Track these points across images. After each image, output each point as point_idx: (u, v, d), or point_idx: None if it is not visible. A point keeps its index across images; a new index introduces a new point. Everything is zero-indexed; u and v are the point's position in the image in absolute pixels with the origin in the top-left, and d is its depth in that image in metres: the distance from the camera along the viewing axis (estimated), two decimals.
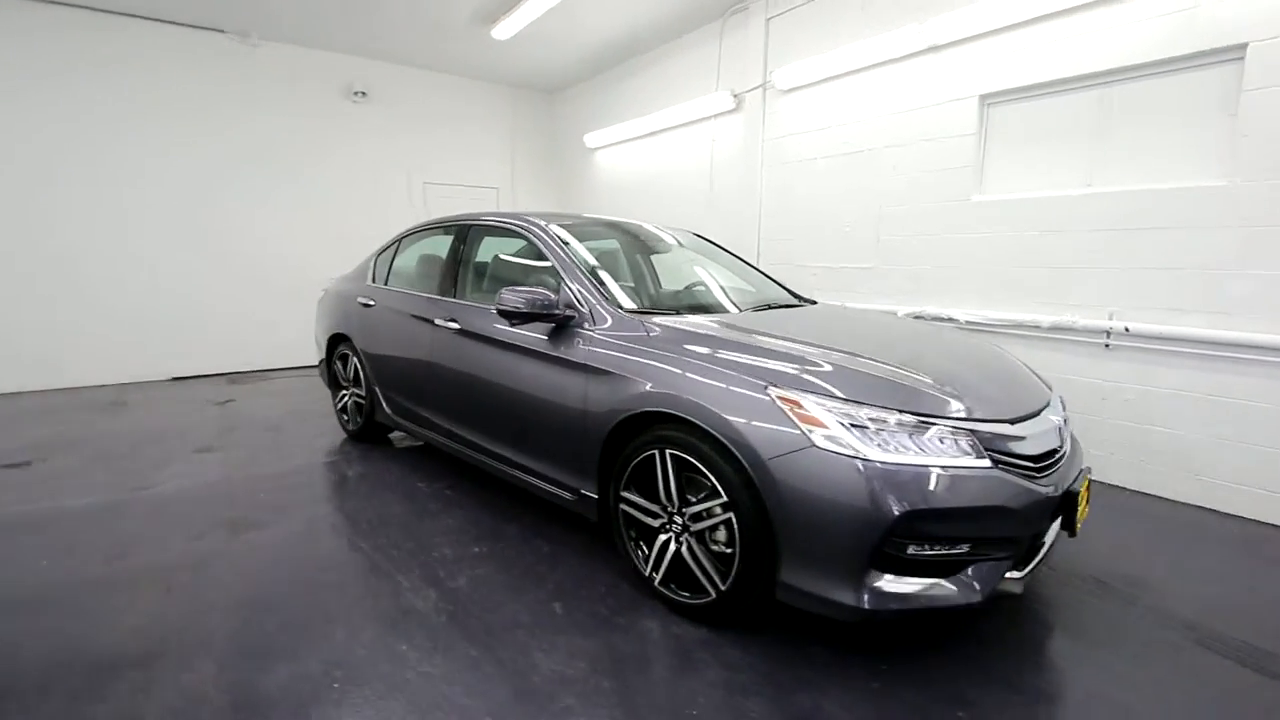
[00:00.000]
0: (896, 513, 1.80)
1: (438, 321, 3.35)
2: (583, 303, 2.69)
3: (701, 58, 6.08)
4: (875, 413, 1.92)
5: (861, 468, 1.83)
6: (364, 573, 2.59)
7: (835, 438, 1.88)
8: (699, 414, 2.11)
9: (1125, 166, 3.48)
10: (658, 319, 2.57)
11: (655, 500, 2.33)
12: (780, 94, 5.28)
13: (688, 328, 2.50)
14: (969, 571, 1.93)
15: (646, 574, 2.38)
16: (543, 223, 3.15)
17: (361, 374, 4.08)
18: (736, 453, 2.01)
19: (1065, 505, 2.06)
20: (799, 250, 5.23)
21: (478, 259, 3.46)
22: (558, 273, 2.88)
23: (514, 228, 3.26)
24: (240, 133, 6.52)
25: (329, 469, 3.82)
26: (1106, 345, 3.54)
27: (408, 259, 4.07)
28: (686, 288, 3.37)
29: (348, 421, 4.38)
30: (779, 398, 1.99)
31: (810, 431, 1.91)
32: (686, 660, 2.06)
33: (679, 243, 3.71)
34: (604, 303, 2.67)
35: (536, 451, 2.82)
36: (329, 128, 6.98)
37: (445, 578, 2.56)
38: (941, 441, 1.90)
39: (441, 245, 3.80)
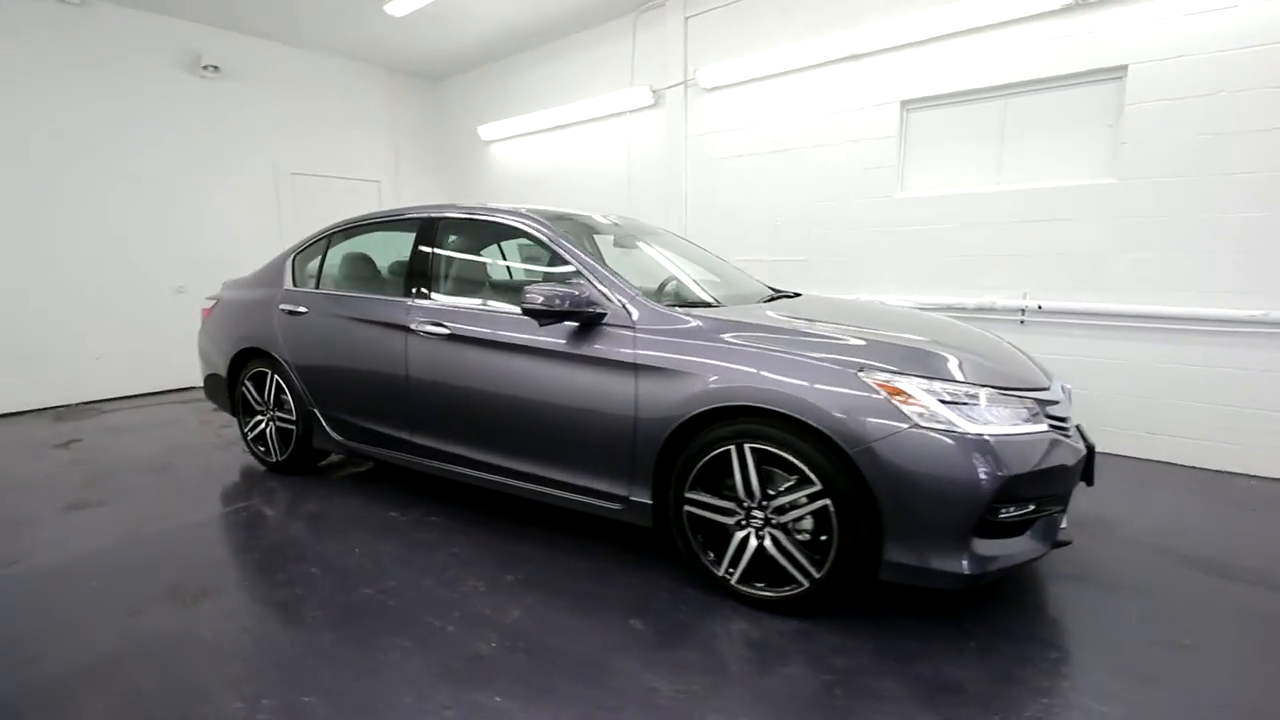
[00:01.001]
0: (999, 481, 1.93)
1: (415, 327, 2.96)
2: (612, 298, 2.53)
3: (614, 52, 6.01)
4: (960, 388, 2.04)
5: (961, 442, 1.94)
6: (394, 624, 2.21)
7: (934, 415, 1.97)
8: (791, 404, 2.08)
9: (1028, 167, 4.05)
10: (698, 311, 2.51)
11: (728, 497, 2.27)
12: (703, 92, 5.39)
13: (728, 318, 2.46)
14: (1037, 526, 2.13)
15: (720, 574, 2.31)
16: (536, 214, 2.93)
17: (289, 394, 3.48)
18: (837, 439, 2.02)
19: (1088, 459, 2.35)
20: (727, 245, 5.38)
21: (459, 256, 3.12)
22: (574, 267, 2.68)
23: (505, 222, 2.98)
24: (61, 112, 5.24)
25: (269, 509, 3.21)
26: (1022, 321, 4.09)
27: (344, 258, 3.55)
28: (669, 281, 3.27)
29: (267, 452, 3.71)
30: (875, 382, 2.03)
31: (910, 411, 1.98)
32: (798, 653, 2.03)
33: (633, 234, 3.54)
34: (638, 297, 2.54)
35: (568, 462, 2.61)
36: (170, 108, 5.85)
37: (494, 614, 2.27)
38: (1016, 411, 2.07)
39: (396, 242, 3.37)
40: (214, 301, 4.02)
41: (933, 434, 1.95)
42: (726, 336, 2.34)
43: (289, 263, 3.71)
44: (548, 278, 2.87)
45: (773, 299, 3.25)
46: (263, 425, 3.71)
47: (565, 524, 2.97)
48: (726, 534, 2.30)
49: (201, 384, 4.25)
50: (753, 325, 2.40)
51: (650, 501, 2.43)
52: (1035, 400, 2.18)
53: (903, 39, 4.29)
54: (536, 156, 6.95)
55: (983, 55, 4.04)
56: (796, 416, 2.08)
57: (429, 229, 3.17)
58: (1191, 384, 3.62)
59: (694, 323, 2.43)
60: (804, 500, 2.11)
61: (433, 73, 7.60)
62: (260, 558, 2.72)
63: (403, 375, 3.01)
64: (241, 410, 3.80)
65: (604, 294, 2.55)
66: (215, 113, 6.15)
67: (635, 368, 2.39)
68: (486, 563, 2.65)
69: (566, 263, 2.73)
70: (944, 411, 1.97)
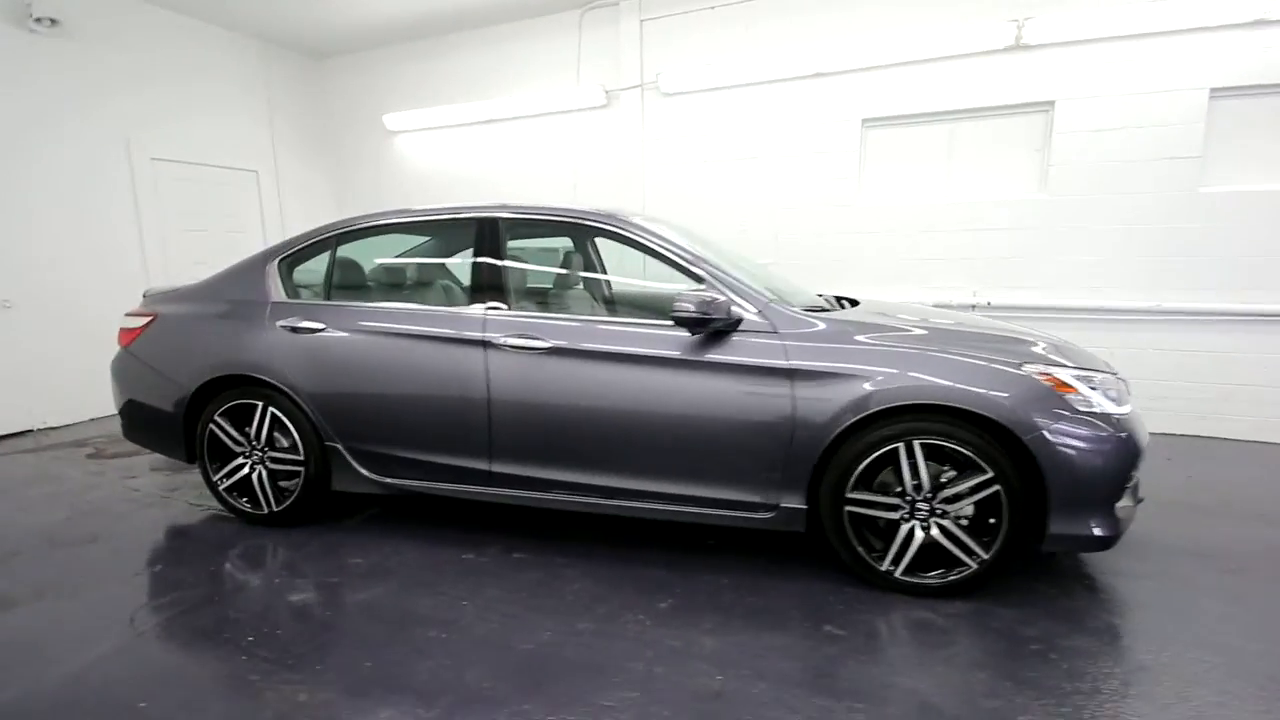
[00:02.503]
0: (1138, 452, 2.25)
1: (500, 341, 2.61)
2: (745, 303, 2.48)
3: (557, 46, 5.76)
4: (1096, 375, 2.33)
5: (1110, 421, 2.23)
6: (595, 676, 1.96)
7: (1087, 399, 2.24)
8: (971, 400, 2.22)
9: (972, 182, 4.68)
10: (821, 315, 2.56)
11: (887, 493, 2.35)
12: (663, 96, 5.40)
13: (853, 319, 2.56)
14: (1132, 488, 2.51)
15: (884, 569, 2.39)
16: (626, 215, 2.76)
17: (294, 429, 2.87)
18: (1012, 428, 2.20)
19: None
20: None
21: (536, 261, 2.81)
22: (696, 272, 2.57)
23: (589, 223, 2.77)
24: None
25: (307, 574, 2.63)
26: None
27: (361, 265, 3.01)
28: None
29: (252, 503, 3.02)
30: (1037, 373, 2.25)
31: (1070, 398, 2.22)
32: (994, 631, 2.18)
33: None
34: (772, 302, 2.51)
35: (705, 475, 2.50)
36: None
37: (685, 646, 2.11)
38: (1123, 390, 2.43)
39: (438, 247, 2.95)
40: (146, 319, 3.16)
41: (1090, 416, 2.21)
42: (861, 338, 2.43)
43: (272, 269, 3.04)
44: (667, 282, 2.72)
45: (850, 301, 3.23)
46: (245, 470, 3.00)
47: (667, 541, 2.84)
48: (890, 529, 2.38)
49: (121, 422, 3.34)
50: (879, 326, 2.51)
51: (804, 506, 2.43)
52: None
53: (864, 63, 4.70)
54: (457, 151, 6.41)
55: (934, 83, 4.59)
56: (976, 411, 2.22)
57: (490, 231, 2.82)
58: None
59: (820, 325, 2.48)
60: (974, 488, 2.27)
61: (319, 49, 6.64)
62: (366, 635, 2.22)
63: (481, 397, 2.64)
64: (208, 454, 3.03)
65: (735, 299, 2.49)
66: (52, 79, 4.78)
67: (790, 373, 2.37)
68: (625, 592, 2.45)
69: (676, 265, 2.61)
70: (1094, 395, 2.25)
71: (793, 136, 5.05)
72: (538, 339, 2.59)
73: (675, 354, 2.47)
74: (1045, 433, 2.19)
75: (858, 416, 2.30)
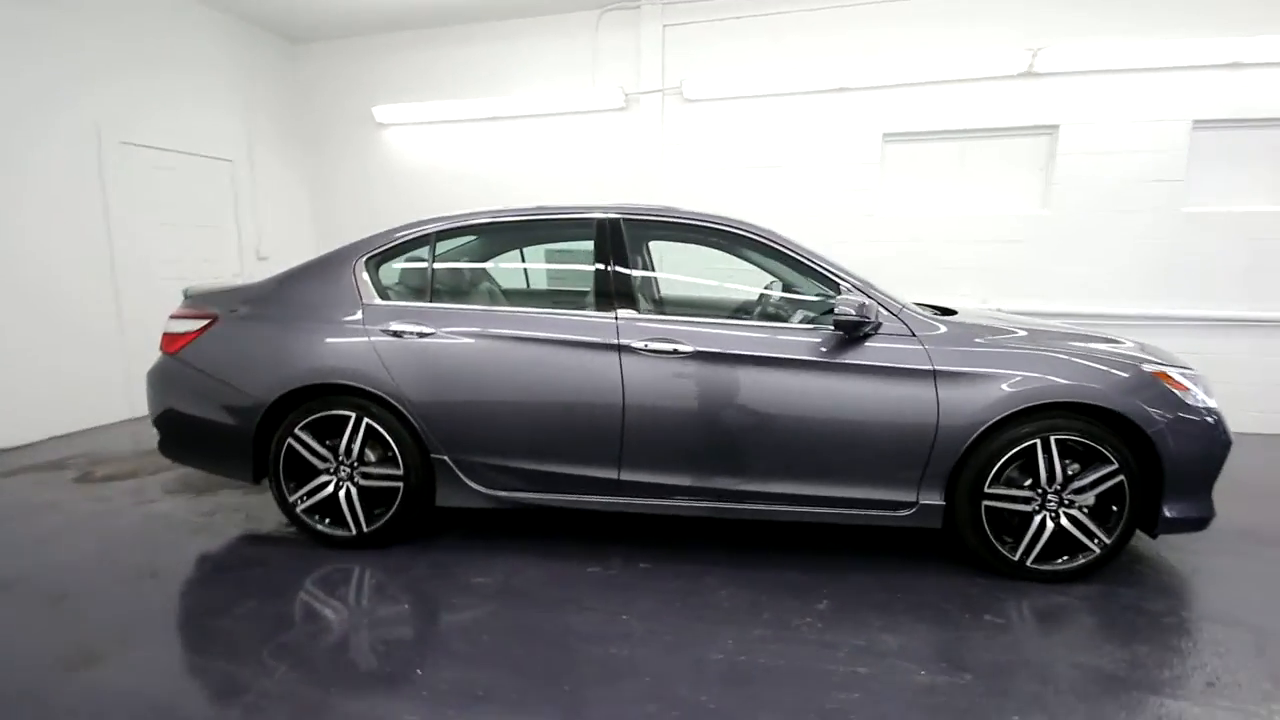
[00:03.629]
0: (1230, 442, 2.51)
1: (638, 345, 2.55)
2: (886, 308, 2.56)
3: (570, 46, 5.66)
4: (1192, 373, 2.58)
5: (1211, 413, 2.48)
6: (802, 686, 1.95)
7: (1194, 395, 2.48)
8: (1105, 398, 2.40)
9: (982, 197, 5.03)
10: (940, 318, 2.68)
11: (1018, 487, 2.50)
12: (685, 102, 5.43)
13: (968, 322, 2.70)
14: None
15: (1015, 558, 2.53)
16: (743, 220, 2.77)
17: (393, 442, 2.66)
18: (1139, 423, 2.40)
19: None
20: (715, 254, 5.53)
21: (664, 264, 2.75)
22: (828, 277, 2.63)
23: (720, 228, 2.76)
24: None
25: (459, 598, 2.45)
26: None
27: (466, 266, 2.84)
28: None
29: (337, 524, 2.77)
30: (1154, 373, 2.47)
31: (1181, 395, 2.45)
32: (1130, 610, 2.36)
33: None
34: (906, 307, 2.61)
35: (847, 475, 2.55)
36: None
37: (869, 644, 2.15)
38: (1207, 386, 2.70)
39: (552, 248, 2.82)
40: (203, 322, 2.82)
41: (1196, 410, 2.46)
42: (980, 341, 2.57)
43: (359, 268, 2.81)
44: (786, 287, 2.74)
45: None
46: (332, 489, 2.74)
47: (785, 543, 2.87)
48: (1020, 521, 2.53)
49: (158, 438, 2.96)
50: (993, 329, 2.66)
51: (943, 502, 2.54)
52: None
53: (886, 80, 4.95)
54: (457, 148, 6.15)
55: (951, 102, 4.90)
56: (1108, 407, 2.41)
57: (613, 233, 2.74)
58: None
59: (943, 329, 2.60)
60: (1100, 479, 2.46)
61: (300, 32, 6.17)
62: (546, 658, 2.09)
63: (615, 404, 2.56)
64: (285, 473, 2.75)
65: (879, 303, 2.56)
66: (7, 49, 4.17)
67: (934, 374, 2.47)
68: (776, 595, 2.45)
69: (815, 272, 2.66)
70: (1198, 391, 2.50)
71: (816, 147, 5.22)
72: (679, 343, 2.55)
73: (821, 358, 2.51)
74: (1165, 426, 2.41)
75: (1000, 415, 2.44)
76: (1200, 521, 2.51)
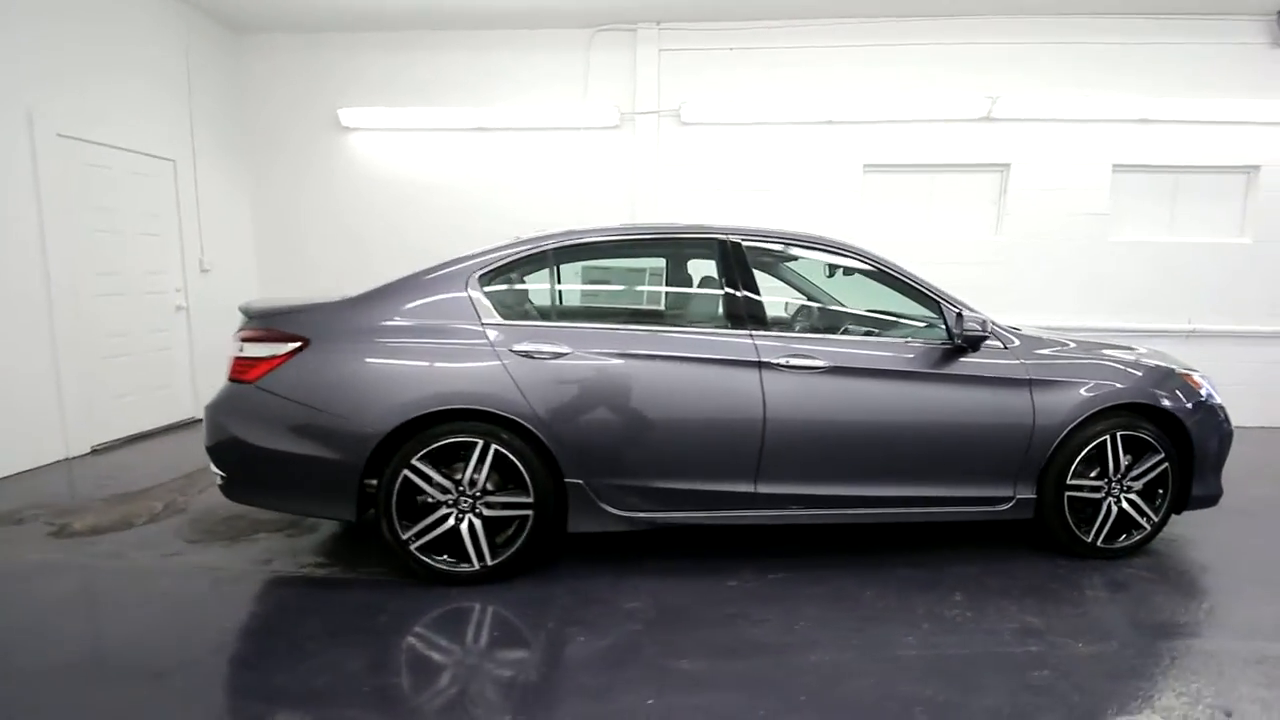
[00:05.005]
0: (1232, 431, 3.08)
1: (779, 362, 2.64)
2: (983, 322, 2.86)
3: (562, 61, 5.62)
4: (1205, 374, 3.13)
5: (1221, 409, 3.03)
6: (977, 663, 2.15)
7: (1210, 393, 3.02)
8: (1152, 398, 2.85)
9: (946, 224, 5.66)
10: (1016, 332, 3.04)
11: (1093, 477, 2.89)
12: (681, 125, 5.59)
13: (1032, 334, 3.09)
14: None
15: (1088, 540, 2.91)
16: (850, 244, 2.99)
17: (523, 468, 2.54)
18: (1181, 417, 2.88)
19: None
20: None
21: (783, 282, 2.86)
22: (929, 296, 2.90)
23: (827, 248, 2.96)
24: None
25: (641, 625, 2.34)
26: None
27: (583, 286, 2.78)
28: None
29: (459, 560, 2.57)
30: (1182, 375, 2.97)
31: (1201, 393, 2.98)
32: (1181, 574, 2.82)
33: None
34: (992, 322, 2.93)
35: (957, 476, 2.82)
36: None
37: (1025, 628, 2.39)
38: None
39: (671, 266, 2.83)
40: (291, 345, 2.50)
41: (1213, 405, 2.99)
42: (1044, 352, 2.96)
43: (472, 285, 2.64)
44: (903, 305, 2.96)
45: None
46: (452, 522, 2.54)
47: (887, 543, 3.08)
48: (1094, 507, 2.92)
49: (221, 479, 2.58)
50: (1050, 342, 3.07)
51: (1034, 495, 2.87)
52: None
53: (868, 116, 5.45)
54: (434, 157, 5.84)
55: (923, 140, 5.49)
56: (1161, 407, 2.86)
57: (735, 253, 2.82)
58: None
59: (1018, 341, 2.98)
60: (1151, 466, 2.91)
61: (247, 21, 5.56)
62: (766, 673, 2.10)
63: (756, 419, 2.63)
64: (396, 509, 2.50)
65: (976, 318, 2.85)
66: None
67: (1029, 382, 2.81)
68: (911, 591, 2.64)
69: (918, 292, 2.92)
70: (1210, 389, 3.04)
71: (803, 174, 5.60)
72: (814, 359, 2.68)
73: (936, 369, 2.76)
74: (1195, 420, 2.92)
75: (1083, 416, 2.82)
76: (1216, 498, 3.04)
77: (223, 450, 2.57)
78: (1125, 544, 2.95)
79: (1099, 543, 2.93)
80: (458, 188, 5.87)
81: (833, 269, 3.23)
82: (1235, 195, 5.39)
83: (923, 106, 5.38)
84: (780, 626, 2.37)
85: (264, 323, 2.60)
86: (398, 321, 2.60)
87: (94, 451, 4.45)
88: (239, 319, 2.71)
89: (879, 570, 2.82)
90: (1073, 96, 5.27)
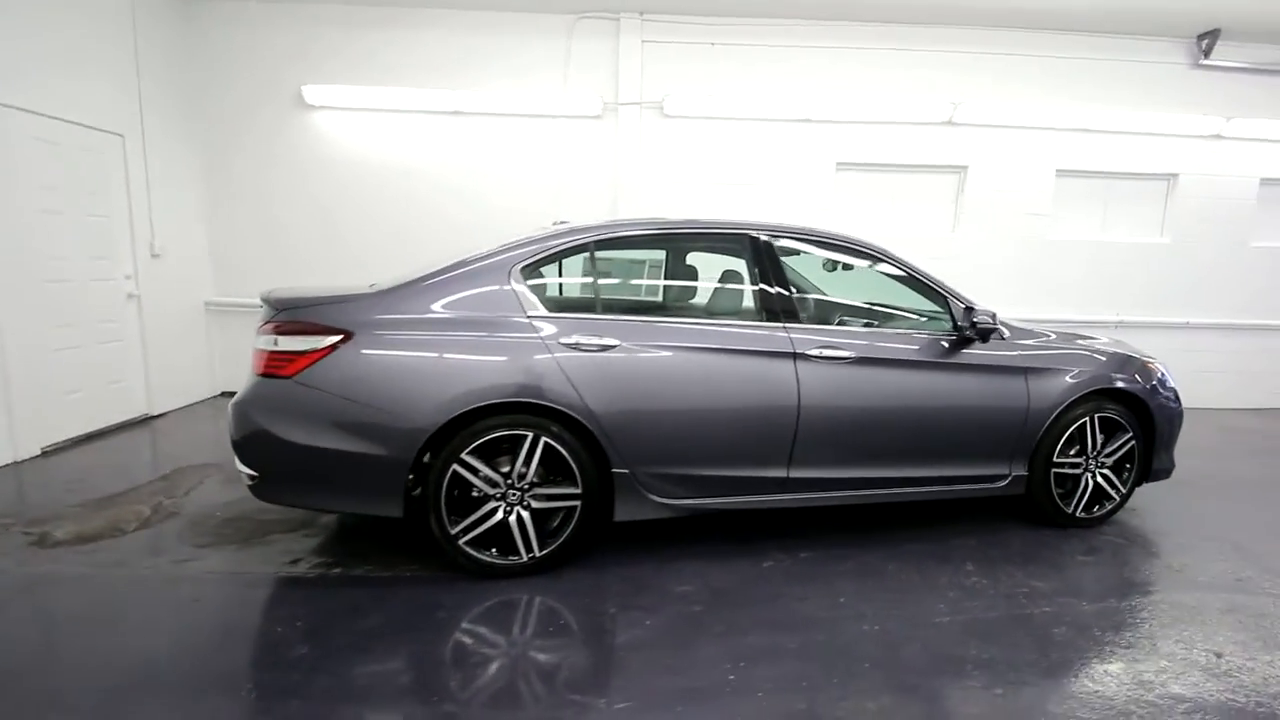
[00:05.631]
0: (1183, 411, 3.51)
1: (813, 353, 2.78)
2: (993, 315, 3.09)
3: (542, 49, 5.53)
4: (1161, 362, 3.52)
5: (1174, 393, 3.43)
6: (1011, 625, 2.39)
7: (1165, 378, 3.40)
8: (1125, 383, 3.20)
9: (909, 221, 6.01)
10: (1009, 322, 3.33)
11: (1073, 454, 3.22)
12: (664, 117, 5.64)
13: (1017, 326, 3.39)
14: None
15: (1069, 511, 3.24)
16: (872, 242, 3.17)
17: (571, 460, 2.57)
18: (1145, 399, 3.25)
19: None
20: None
21: (809, 277, 2.98)
22: (937, 291, 3.12)
23: (849, 246, 3.12)
24: None
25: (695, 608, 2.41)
26: None
27: (620, 278, 2.80)
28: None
29: (504, 553, 2.58)
30: (1144, 362, 3.34)
31: (1160, 377, 3.36)
32: (1148, 541, 3.20)
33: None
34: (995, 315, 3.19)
35: (963, 456, 3.07)
36: None
37: (1034, 592, 2.67)
38: None
39: (707, 261, 2.93)
40: (333, 338, 2.41)
41: (1170, 389, 3.39)
42: (1028, 343, 3.27)
43: (514, 277, 2.63)
44: (913, 299, 3.16)
45: None
46: (501, 515, 2.53)
47: (870, 523, 3.31)
48: (1071, 482, 3.25)
49: (254, 479, 2.46)
50: (1032, 334, 3.37)
51: (1026, 473, 3.17)
52: None
53: (841, 116, 5.69)
54: (408, 140, 5.62)
55: (891, 141, 5.79)
56: (1130, 390, 3.22)
57: (767, 249, 2.94)
58: None
59: (1007, 332, 3.26)
60: (1121, 444, 3.27)
61: None
62: (827, 641, 2.23)
63: (791, 406, 2.77)
64: (445, 504, 2.47)
65: (983, 312, 3.10)
66: None
67: (1025, 370, 3.09)
68: (928, 565, 2.87)
69: (927, 287, 3.14)
70: (1166, 375, 3.43)
71: (780, 169, 5.79)
72: (842, 350, 2.84)
73: (947, 358, 2.99)
74: (1159, 402, 3.30)
75: (1070, 400, 3.13)
76: (1170, 471, 3.45)
77: (255, 449, 2.45)
78: (1099, 514, 3.31)
79: (1078, 513, 3.27)
80: (434, 172, 5.69)
81: (834, 264, 3.42)
82: (1157, 200, 6.03)
83: (892, 109, 5.68)
84: (824, 602, 2.53)
85: (298, 315, 2.48)
86: (441, 314, 2.56)
87: (44, 454, 4.06)
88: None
89: (893, 547, 3.04)
90: (1024, 105, 5.71)
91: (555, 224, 3.58)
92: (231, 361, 5.78)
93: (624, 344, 2.63)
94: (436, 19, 5.49)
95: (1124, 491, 3.33)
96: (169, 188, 5.16)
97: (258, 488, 2.50)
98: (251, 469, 2.47)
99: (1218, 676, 2.11)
